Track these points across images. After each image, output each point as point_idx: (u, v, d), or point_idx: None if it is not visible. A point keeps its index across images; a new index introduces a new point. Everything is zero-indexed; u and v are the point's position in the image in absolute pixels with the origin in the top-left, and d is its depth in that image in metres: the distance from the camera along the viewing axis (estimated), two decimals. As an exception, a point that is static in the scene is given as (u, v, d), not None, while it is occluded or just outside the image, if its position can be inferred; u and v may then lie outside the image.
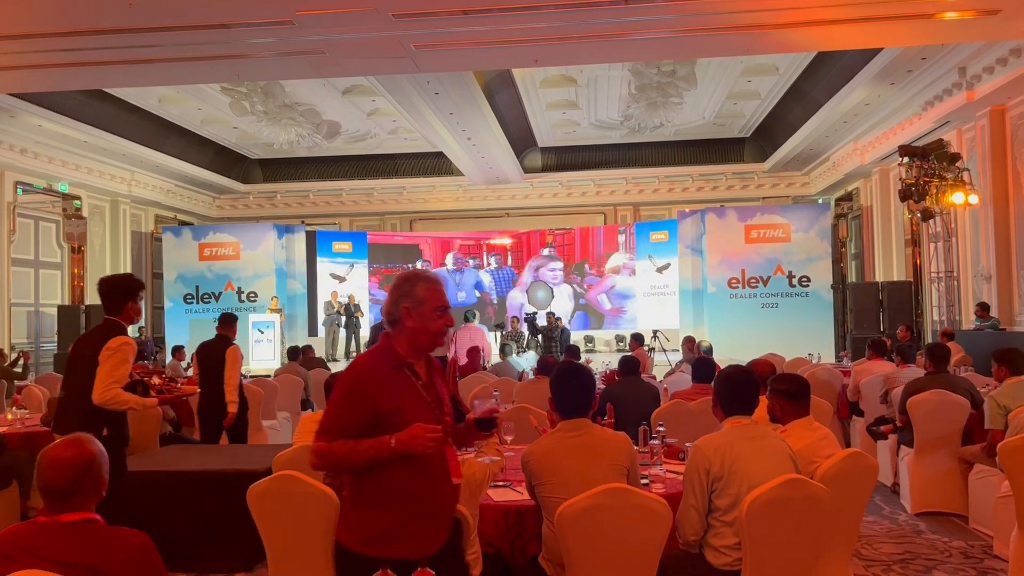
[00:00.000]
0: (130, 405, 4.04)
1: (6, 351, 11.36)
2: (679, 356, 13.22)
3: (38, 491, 2.24)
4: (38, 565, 2.07)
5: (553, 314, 15.89)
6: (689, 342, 12.20)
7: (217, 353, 6.67)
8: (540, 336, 14.42)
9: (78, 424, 3.80)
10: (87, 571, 2.09)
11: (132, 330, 15.64)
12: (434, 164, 19.03)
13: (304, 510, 3.17)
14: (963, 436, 5.79)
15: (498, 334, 15.39)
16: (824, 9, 7.93)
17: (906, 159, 11.48)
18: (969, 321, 11.82)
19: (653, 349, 13.94)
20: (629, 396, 5.70)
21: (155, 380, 4.48)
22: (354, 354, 17.67)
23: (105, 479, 2.30)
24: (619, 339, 18.29)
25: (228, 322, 6.91)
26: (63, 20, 7.82)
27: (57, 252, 15.65)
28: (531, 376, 8.42)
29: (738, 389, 3.26)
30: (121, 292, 4.15)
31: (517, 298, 19.21)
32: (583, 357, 11.22)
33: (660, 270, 17.99)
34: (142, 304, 4.27)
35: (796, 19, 8.18)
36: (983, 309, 10.68)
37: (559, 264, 19.31)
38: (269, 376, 9.79)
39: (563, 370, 3.39)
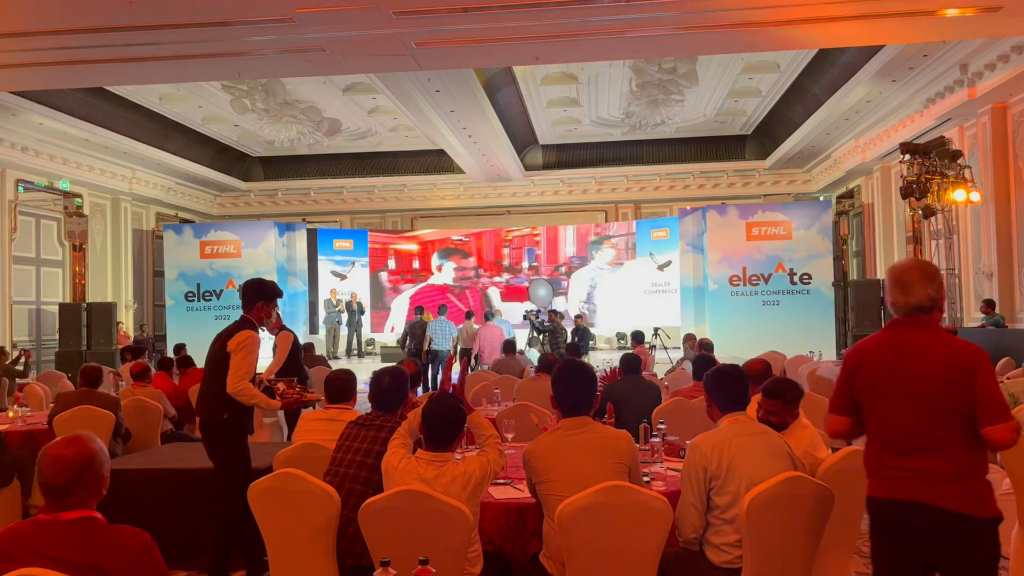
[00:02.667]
0: (256, 401, 4.39)
1: (7, 349, 11.37)
2: (680, 354, 13.22)
3: (39, 489, 2.24)
4: (39, 563, 2.07)
5: (555, 312, 15.86)
6: (691, 339, 12.21)
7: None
8: (546, 334, 14.37)
9: (202, 407, 4.47)
10: (88, 569, 2.08)
11: (134, 328, 15.56)
12: (435, 162, 19.03)
13: (305, 508, 3.17)
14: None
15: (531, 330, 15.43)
16: (825, 6, 7.91)
17: (907, 156, 11.45)
18: (971, 318, 11.81)
19: (654, 347, 13.94)
20: (630, 394, 5.70)
21: (280, 387, 4.80)
22: (355, 352, 17.70)
23: (106, 478, 2.29)
24: (620, 336, 18.30)
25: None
26: (64, 18, 7.82)
27: (58, 250, 15.65)
28: (532, 374, 8.41)
29: (730, 385, 3.26)
30: (254, 292, 4.60)
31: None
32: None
33: (661, 268, 18.00)
34: (275, 310, 4.70)
35: (797, 16, 8.17)
36: (989, 306, 10.66)
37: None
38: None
39: (564, 368, 3.39)
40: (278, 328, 7.45)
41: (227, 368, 4.32)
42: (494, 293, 19.57)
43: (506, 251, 19.76)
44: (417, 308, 14.56)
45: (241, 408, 4.36)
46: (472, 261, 19.90)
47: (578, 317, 15.24)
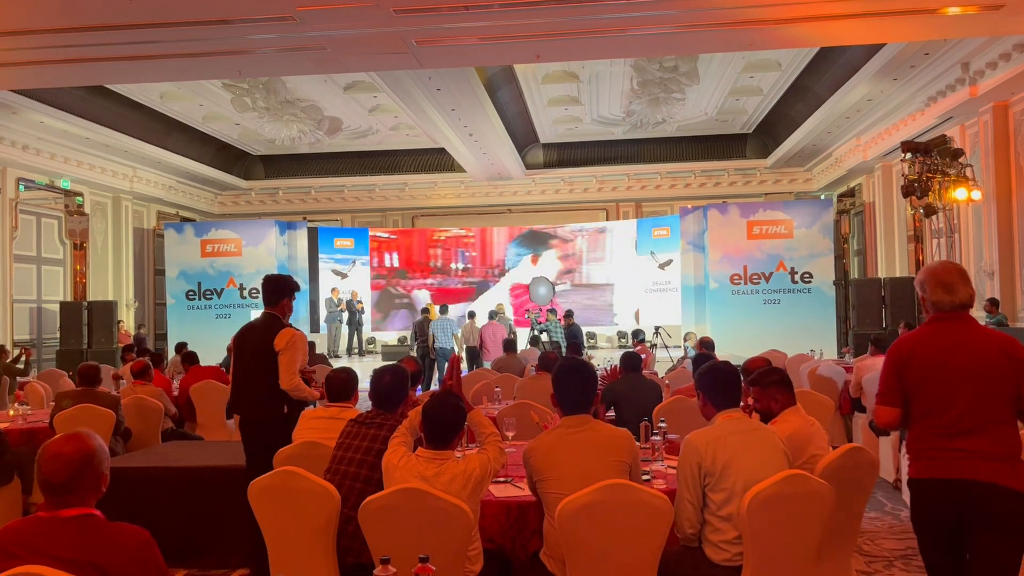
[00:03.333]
0: (305, 395, 4.61)
1: (8, 347, 11.37)
2: (680, 352, 13.22)
3: (38, 486, 2.23)
4: (39, 561, 2.07)
5: (553, 311, 15.83)
6: (692, 338, 12.23)
7: None
8: (546, 333, 14.38)
9: (253, 404, 4.60)
10: (87, 567, 2.08)
11: (134, 327, 15.54)
12: (436, 160, 19.01)
13: (305, 506, 3.17)
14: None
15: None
16: (827, 4, 7.90)
17: (909, 155, 11.43)
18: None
19: (655, 345, 13.94)
20: (631, 392, 5.70)
21: (313, 378, 4.98)
22: (356, 351, 17.71)
23: (106, 475, 2.29)
24: (621, 335, 18.30)
25: None
26: (65, 16, 7.81)
27: (59, 249, 15.65)
28: (533, 372, 8.41)
29: (724, 382, 3.27)
30: (281, 288, 4.80)
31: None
32: (584, 353, 11.24)
33: (662, 266, 17.99)
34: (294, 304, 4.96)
35: (799, 14, 8.15)
36: (992, 305, 10.64)
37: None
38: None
39: (565, 366, 3.39)
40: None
41: (275, 366, 4.51)
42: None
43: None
44: (423, 309, 15.16)
45: (294, 401, 4.59)
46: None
47: (567, 316, 15.25)
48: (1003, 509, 2.72)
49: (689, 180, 19.21)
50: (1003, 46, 9.92)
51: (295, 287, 4.88)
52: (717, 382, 3.28)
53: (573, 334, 13.57)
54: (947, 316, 2.94)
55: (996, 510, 2.73)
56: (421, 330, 13.84)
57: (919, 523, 2.94)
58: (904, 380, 2.92)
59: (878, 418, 3.04)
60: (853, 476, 3.32)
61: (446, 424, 3.12)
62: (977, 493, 2.74)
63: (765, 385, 3.69)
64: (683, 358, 11.52)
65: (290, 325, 4.74)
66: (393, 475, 3.07)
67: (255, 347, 4.64)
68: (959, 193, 10.94)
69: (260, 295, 5.42)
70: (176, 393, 7.91)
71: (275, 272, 16.65)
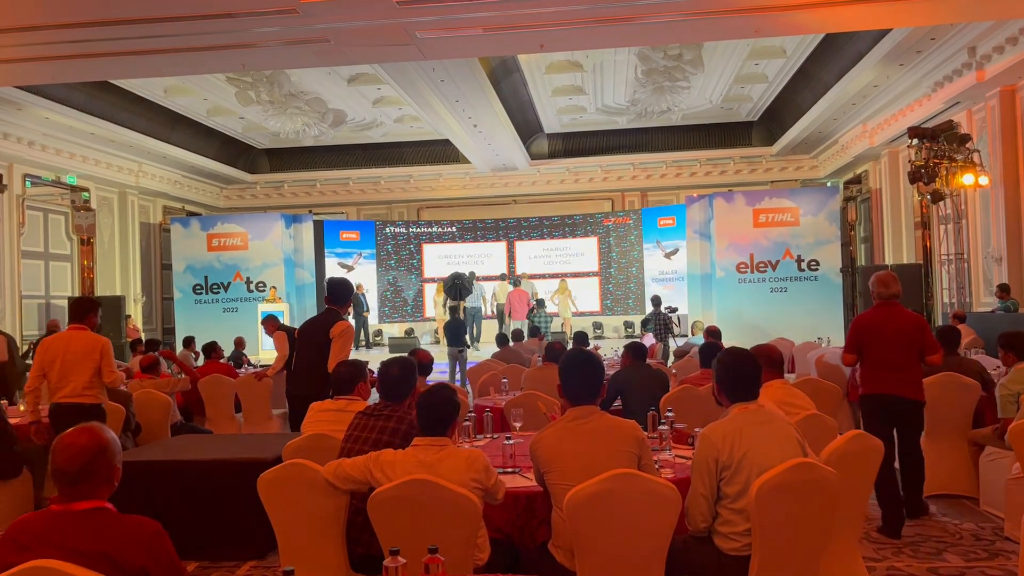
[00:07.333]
0: None
1: (17, 343, 11.43)
2: (682, 341, 13.19)
3: (51, 478, 2.25)
4: (51, 554, 2.09)
5: (542, 302, 15.78)
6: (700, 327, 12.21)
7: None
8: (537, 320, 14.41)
9: (307, 386, 5.29)
10: (99, 558, 2.10)
11: (144, 328, 15.53)
12: (440, 152, 18.98)
13: (314, 497, 3.19)
14: (974, 418, 5.76)
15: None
16: (832, -10, 7.86)
17: (915, 141, 11.37)
18: (980, 303, 11.75)
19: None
20: (638, 382, 5.71)
21: None
22: (363, 343, 17.74)
23: (118, 469, 2.31)
24: (627, 325, 18.30)
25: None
26: (68, 11, 7.83)
27: (66, 244, 15.71)
28: (539, 362, 8.41)
29: (740, 375, 3.22)
30: (347, 291, 5.77)
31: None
32: (591, 343, 11.24)
33: (668, 255, 17.95)
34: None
35: (804, 1, 8.11)
36: (1003, 291, 10.58)
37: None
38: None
39: (571, 357, 3.37)
40: (275, 328, 7.56)
41: (327, 352, 5.22)
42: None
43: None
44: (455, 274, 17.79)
45: None
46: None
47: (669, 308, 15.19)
48: (913, 409, 5.01)
49: (695, 169, 19.14)
50: (1010, 30, 9.84)
51: (354, 291, 5.74)
52: (732, 374, 3.22)
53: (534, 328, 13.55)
54: (887, 303, 5.08)
55: (911, 411, 5.01)
56: (452, 286, 16.21)
57: (868, 418, 5.03)
58: (861, 339, 5.08)
59: (844, 360, 5.27)
60: (859, 462, 3.32)
61: (440, 408, 3.11)
62: (904, 402, 4.97)
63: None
64: (684, 347, 11.49)
65: (346, 319, 5.45)
66: (395, 469, 3.06)
67: (310, 336, 5.45)
68: (966, 179, 10.88)
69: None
70: (189, 387, 7.93)
71: (281, 266, 16.83)
